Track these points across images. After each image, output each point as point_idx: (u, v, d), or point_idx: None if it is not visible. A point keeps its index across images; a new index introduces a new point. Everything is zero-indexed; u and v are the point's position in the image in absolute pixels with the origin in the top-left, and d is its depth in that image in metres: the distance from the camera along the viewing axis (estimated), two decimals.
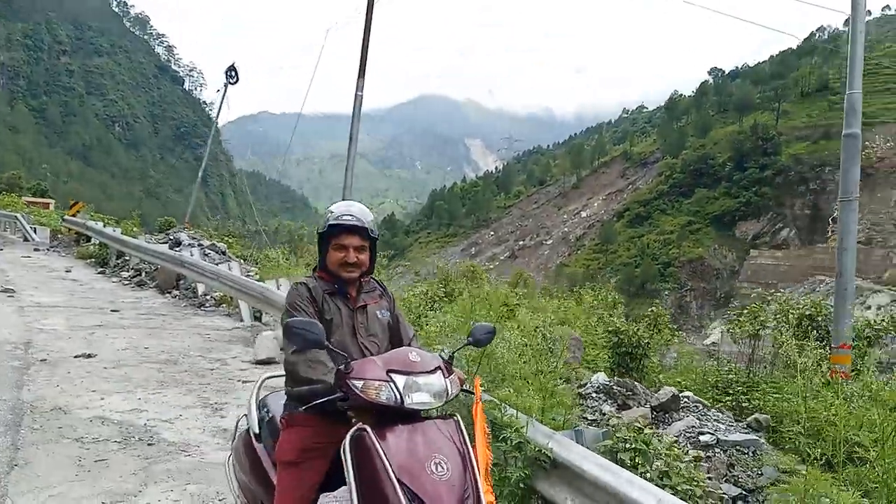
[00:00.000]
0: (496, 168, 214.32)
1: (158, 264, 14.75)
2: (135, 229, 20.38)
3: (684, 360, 7.98)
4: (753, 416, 4.87)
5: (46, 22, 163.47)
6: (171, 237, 18.33)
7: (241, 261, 15.25)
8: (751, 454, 4.23)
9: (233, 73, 29.31)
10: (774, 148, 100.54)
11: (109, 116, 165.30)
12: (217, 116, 30.05)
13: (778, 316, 6.61)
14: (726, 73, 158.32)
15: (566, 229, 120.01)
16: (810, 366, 3.92)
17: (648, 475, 3.38)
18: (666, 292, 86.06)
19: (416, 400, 2.57)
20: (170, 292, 14.12)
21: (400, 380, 2.56)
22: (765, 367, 6.36)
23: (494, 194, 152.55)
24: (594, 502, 3.28)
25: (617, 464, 3.37)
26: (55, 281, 14.85)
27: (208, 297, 13.30)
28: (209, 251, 15.97)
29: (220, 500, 4.53)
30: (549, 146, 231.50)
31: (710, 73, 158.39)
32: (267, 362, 8.59)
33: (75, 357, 8.07)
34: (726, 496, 3.80)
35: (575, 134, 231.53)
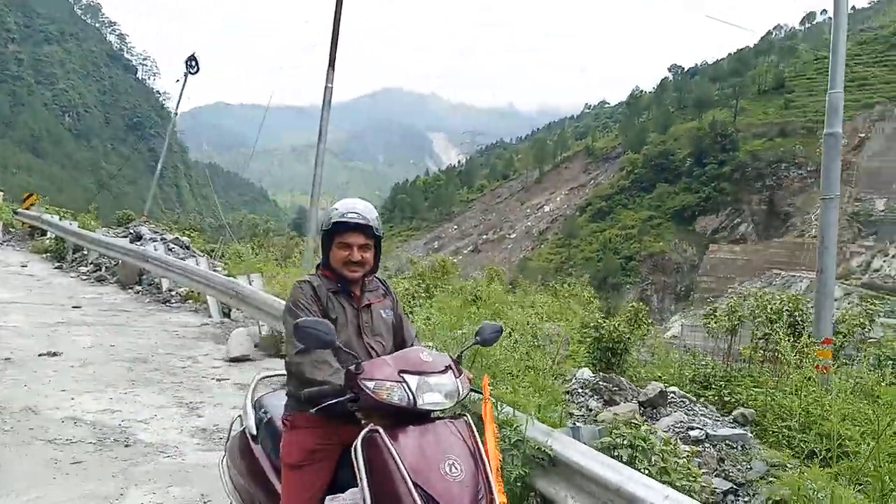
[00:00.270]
0: (459, 161, 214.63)
1: (120, 259, 14.35)
2: (92, 223, 19.79)
3: (660, 354, 8.06)
4: (739, 410, 4.93)
5: None
6: (132, 231, 17.86)
7: (208, 256, 14.93)
8: (740, 448, 4.28)
9: (193, 63, 28.54)
10: (733, 144, 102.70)
11: (59, 106, 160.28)
12: (177, 107, 29.25)
13: (756, 311, 6.72)
14: (686, 70, 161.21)
15: (529, 224, 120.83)
16: (799, 362, 3.97)
17: (648, 472, 3.39)
18: (627, 286, 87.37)
19: (428, 400, 2.52)
20: (132, 288, 13.75)
21: (412, 380, 2.51)
22: (744, 362, 6.46)
23: (457, 188, 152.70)
24: (597, 500, 3.27)
25: (615, 461, 3.36)
26: (11, 276, 14.33)
27: (173, 293, 13.00)
28: (173, 246, 15.61)
29: (205, 502, 4.41)
30: (511, 140, 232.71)
31: (670, 69, 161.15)
32: (240, 360, 8.42)
33: (40, 356, 7.80)
34: (718, 490, 3.84)
35: (537, 128, 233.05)
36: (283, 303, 8.33)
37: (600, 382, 5.20)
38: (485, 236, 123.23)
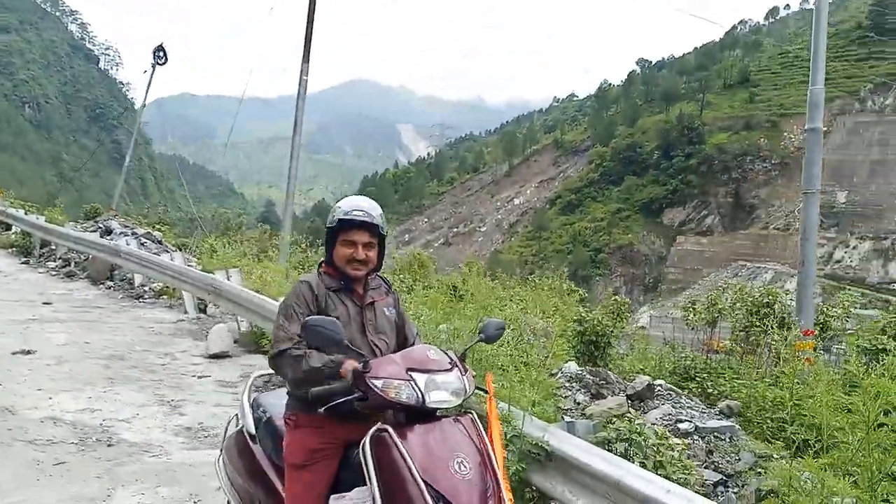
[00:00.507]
0: (428, 154, 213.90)
1: (91, 254, 14.06)
2: (59, 217, 19.33)
3: (639, 346, 8.16)
4: (725, 402, 5.02)
5: None
6: (101, 225, 17.49)
7: (184, 251, 14.70)
8: (728, 440, 4.37)
9: (161, 54, 28.03)
10: (699, 137, 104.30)
11: (19, 97, 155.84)
12: (145, 98, 28.71)
13: (736, 304, 6.84)
14: (653, 63, 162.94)
15: (500, 216, 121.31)
16: (791, 354, 4.06)
17: (643, 465, 3.43)
18: (597, 278, 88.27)
19: (436, 398, 2.52)
20: (103, 283, 13.49)
21: (420, 378, 2.51)
22: (725, 354, 6.57)
23: (427, 181, 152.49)
24: (595, 494, 3.30)
25: (614, 455, 3.40)
26: None
27: (146, 289, 12.79)
28: (145, 240, 15.33)
29: (195, 503, 4.36)
30: (480, 133, 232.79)
31: (637, 63, 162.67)
32: (220, 356, 8.33)
33: (13, 354, 7.63)
34: (708, 482, 3.91)
35: (506, 121, 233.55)
36: (264, 298, 8.27)
37: (587, 376, 5.25)
38: (455, 229, 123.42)
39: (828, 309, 6.90)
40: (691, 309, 7.28)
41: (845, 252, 74.65)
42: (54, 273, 14.56)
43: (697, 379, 5.81)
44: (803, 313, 6.10)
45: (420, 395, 2.48)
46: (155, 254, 13.24)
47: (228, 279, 9.89)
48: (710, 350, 7.35)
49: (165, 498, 4.40)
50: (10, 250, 17.35)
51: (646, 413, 4.76)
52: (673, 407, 4.84)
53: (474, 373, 2.89)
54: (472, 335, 4.39)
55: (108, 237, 15.58)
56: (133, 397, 6.50)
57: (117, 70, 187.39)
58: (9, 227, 19.01)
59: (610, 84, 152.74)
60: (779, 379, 4.85)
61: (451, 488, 2.34)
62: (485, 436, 2.61)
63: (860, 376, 3.25)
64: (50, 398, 6.20)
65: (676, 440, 3.95)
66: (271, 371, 3.95)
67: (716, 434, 4.39)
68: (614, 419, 3.73)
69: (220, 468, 3.49)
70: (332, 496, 2.70)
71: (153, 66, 27.39)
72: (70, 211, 24.65)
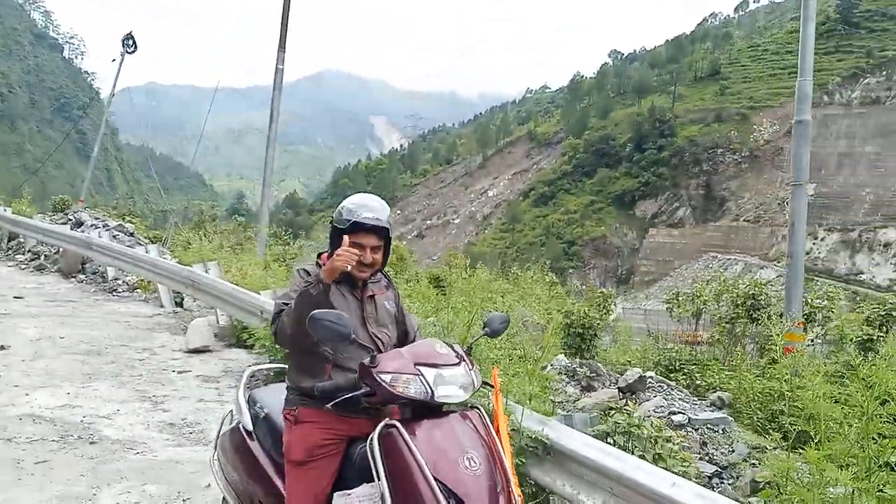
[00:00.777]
0: (401, 146, 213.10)
1: (61, 247, 13.74)
2: (27, 209, 18.86)
3: (621, 338, 8.20)
4: (717, 394, 5.05)
5: None
6: (71, 217, 17.12)
7: (160, 244, 14.44)
8: (721, 432, 4.39)
9: (130, 42, 27.41)
10: (671, 130, 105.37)
11: None
12: (114, 87, 28.01)
13: (721, 296, 6.89)
14: (625, 55, 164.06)
15: (473, 208, 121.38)
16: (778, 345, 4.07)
17: (643, 458, 3.42)
18: (570, 270, 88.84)
19: (444, 393, 2.48)
20: (74, 276, 13.21)
21: (429, 373, 2.47)
22: (707, 346, 6.63)
23: (400, 172, 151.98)
24: (596, 488, 3.29)
25: (616, 448, 3.39)
26: None
27: (119, 282, 12.54)
28: (117, 233, 15.02)
29: (184, 501, 4.27)
30: (454, 125, 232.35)
31: (610, 55, 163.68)
32: (200, 351, 8.19)
33: None
34: (704, 474, 3.93)
35: (480, 113, 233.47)
36: (244, 291, 8.13)
37: (577, 368, 5.25)
38: (429, 221, 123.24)
39: (812, 300, 6.99)
40: (675, 301, 7.32)
41: (814, 244, 76.01)
42: (24, 266, 14.23)
43: (685, 371, 5.85)
44: (792, 304, 6.14)
45: (429, 390, 2.43)
46: (129, 246, 12.99)
47: (207, 272, 9.72)
48: (687, 341, 7.42)
49: (153, 496, 4.29)
50: None
51: (638, 405, 4.77)
52: (664, 399, 4.85)
53: (478, 367, 2.86)
54: (465, 328, 4.36)
55: (78, 229, 15.26)
56: (113, 393, 6.36)
57: (82, 59, 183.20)
58: None
59: (582, 76, 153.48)
60: (766, 370, 4.89)
61: (462, 485, 2.30)
62: (492, 431, 2.57)
63: (857, 366, 3.27)
64: (27, 395, 6.04)
65: (671, 432, 3.95)
66: (266, 366, 3.89)
67: (709, 425, 4.42)
68: (612, 412, 3.71)
69: (214, 466, 3.41)
70: (335, 493, 2.64)
71: (122, 55, 26.78)
72: (36, 203, 24.08)
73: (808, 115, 6.87)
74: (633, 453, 3.41)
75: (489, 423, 2.60)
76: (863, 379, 3.49)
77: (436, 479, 2.26)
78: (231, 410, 3.40)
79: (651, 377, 5.33)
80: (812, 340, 6.58)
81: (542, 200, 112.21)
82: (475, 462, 2.38)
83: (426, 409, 2.49)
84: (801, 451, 3.41)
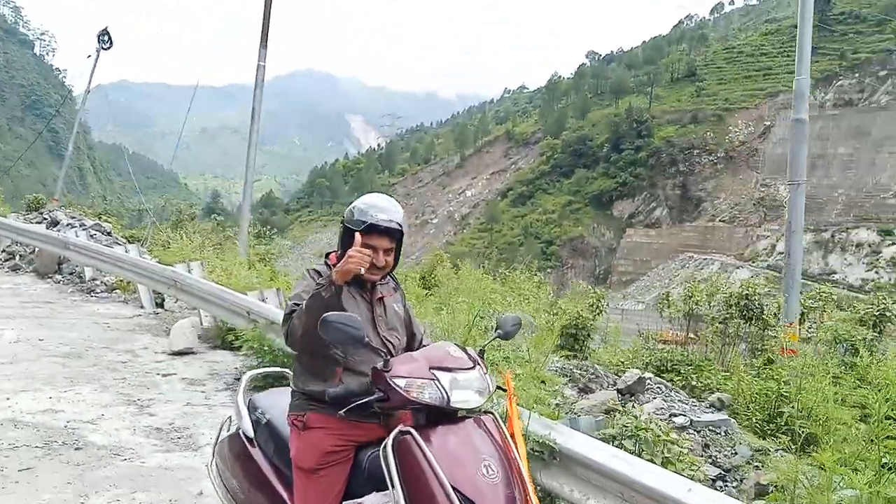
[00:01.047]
0: (379, 145, 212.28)
1: (37, 246, 13.43)
2: (1, 208, 18.44)
3: (611, 339, 8.17)
4: (716, 395, 5.03)
5: None
6: (47, 217, 16.75)
7: (140, 243, 14.17)
8: (723, 434, 4.36)
9: (106, 38, 26.89)
10: (648, 130, 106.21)
11: None
12: (89, 84, 27.47)
13: (714, 296, 6.88)
14: (602, 56, 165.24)
15: (451, 208, 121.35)
16: (776, 345, 4.07)
17: (651, 462, 3.37)
18: (549, 270, 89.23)
19: (460, 398, 2.40)
20: (51, 277, 12.93)
21: (444, 377, 2.38)
22: (699, 347, 6.63)
23: (378, 172, 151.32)
24: (606, 493, 3.23)
25: (625, 453, 3.33)
26: None
27: (98, 282, 12.28)
28: (94, 232, 14.73)
29: None
30: (432, 124, 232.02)
31: (587, 56, 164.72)
32: (184, 353, 8.01)
33: None
34: (708, 476, 3.89)
35: (458, 112, 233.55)
36: (231, 292, 7.98)
37: (575, 370, 5.19)
38: (407, 221, 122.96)
39: (805, 301, 7.03)
40: (665, 301, 7.32)
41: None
42: None
43: (679, 371, 5.83)
44: (789, 305, 6.14)
45: (445, 395, 2.35)
46: (107, 246, 12.73)
47: (190, 272, 9.54)
48: (672, 341, 7.42)
49: None
50: None
51: (640, 408, 4.72)
52: (664, 401, 4.82)
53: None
54: (466, 330, 4.29)
55: (54, 229, 14.93)
56: (97, 397, 6.18)
57: (53, 56, 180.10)
58: None
59: (560, 76, 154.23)
60: (762, 371, 4.88)
61: (480, 494, 2.22)
62: (507, 437, 2.50)
63: (863, 367, 3.25)
64: (7, 399, 5.85)
65: (675, 435, 3.91)
66: (265, 370, 3.77)
67: (710, 427, 4.38)
68: (617, 414, 3.66)
69: (213, 474, 3.30)
70: (345, 503, 2.56)
71: (97, 51, 26.28)
72: (8, 202, 23.57)
73: (806, 114, 6.85)
74: (641, 457, 3.36)
75: (504, 428, 2.53)
76: (867, 381, 3.49)
77: (453, 487, 2.19)
78: (230, 416, 3.29)
79: (650, 378, 5.30)
80: (806, 341, 6.62)
81: (520, 200, 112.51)
82: (492, 470, 2.31)
83: (439, 415, 2.40)
84: (809, 453, 3.39)
